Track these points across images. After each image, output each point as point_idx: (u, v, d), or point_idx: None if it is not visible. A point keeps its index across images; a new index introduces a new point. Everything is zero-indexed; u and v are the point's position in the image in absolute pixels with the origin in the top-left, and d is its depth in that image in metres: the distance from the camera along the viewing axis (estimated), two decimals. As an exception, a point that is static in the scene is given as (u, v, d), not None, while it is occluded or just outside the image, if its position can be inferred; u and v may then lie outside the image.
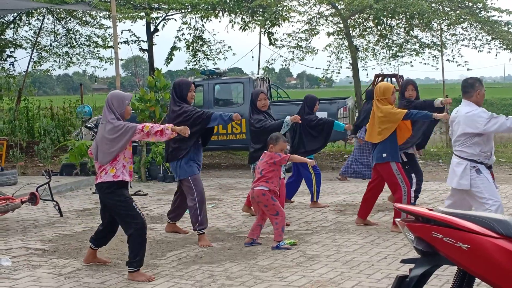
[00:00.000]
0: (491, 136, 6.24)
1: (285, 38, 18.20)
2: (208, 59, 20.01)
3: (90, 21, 20.38)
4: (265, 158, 7.08)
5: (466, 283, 3.36)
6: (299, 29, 18.05)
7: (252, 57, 19.69)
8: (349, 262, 6.30)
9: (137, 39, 20.01)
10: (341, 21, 17.67)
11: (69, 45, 21.05)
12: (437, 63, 18.41)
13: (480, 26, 16.66)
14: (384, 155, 7.46)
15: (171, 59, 19.62)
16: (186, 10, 18.22)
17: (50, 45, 21.21)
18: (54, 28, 20.93)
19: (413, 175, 8.42)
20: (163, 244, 7.32)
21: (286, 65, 19.08)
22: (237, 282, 5.77)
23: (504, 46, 16.74)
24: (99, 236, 6.31)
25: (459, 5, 16.83)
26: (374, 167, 7.68)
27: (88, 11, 18.41)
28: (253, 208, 7.67)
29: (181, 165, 7.21)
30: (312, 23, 17.90)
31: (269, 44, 18.66)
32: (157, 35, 20.17)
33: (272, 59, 18.99)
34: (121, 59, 20.70)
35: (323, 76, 19.09)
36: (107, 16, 18.74)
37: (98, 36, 20.91)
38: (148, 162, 12.34)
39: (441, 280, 5.49)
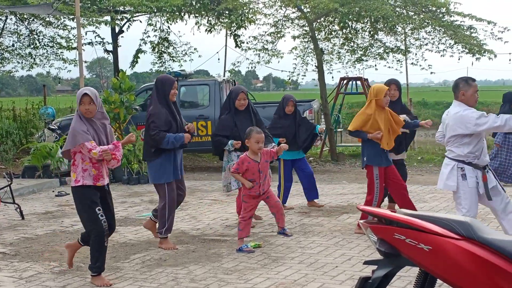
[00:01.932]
0: (481, 136, 6.13)
1: (251, 41, 18.18)
2: (173, 61, 19.91)
3: (54, 22, 20.12)
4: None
5: (427, 284, 3.39)
6: (265, 32, 18.05)
7: (218, 59, 19.62)
8: (314, 264, 6.32)
9: (101, 40, 19.82)
10: (306, 24, 17.73)
11: (32, 46, 20.75)
12: (401, 66, 18.57)
13: (443, 30, 16.86)
14: (365, 158, 7.55)
15: (137, 62, 19.48)
16: (151, 13, 18.10)
17: (13, 45, 20.87)
18: (17, 29, 20.61)
19: None
20: (127, 247, 7.25)
21: (252, 67, 19.06)
22: (201, 284, 5.74)
23: (467, 50, 16.96)
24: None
25: (423, 9, 17.02)
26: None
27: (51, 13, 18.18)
28: None
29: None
30: (278, 26, 17.92)
31: (235, 47, 18.64)
32: (122, 37, 20.02)
33: (238, 62, 18.95)
34: (86, 61, 20.49)
35: (289, 79, 19.13)
36: (71, 18, 18.52)
37: (62, 37, 20.66)
38: (112, 164, 12.21)
39: (404, 281, 5.54)
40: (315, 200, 9.28)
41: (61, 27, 20.30)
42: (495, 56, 16.99)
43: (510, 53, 19.28)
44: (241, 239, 6.99)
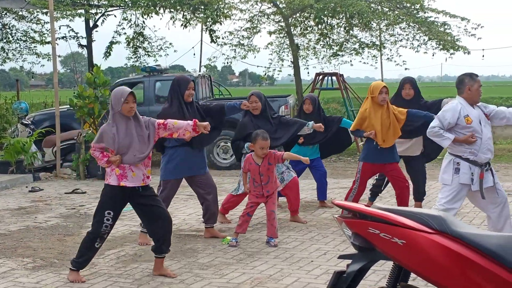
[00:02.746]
0: (475, 131, 6.10)
1: (227, 36, 18.18)
2: (149, 55, 19.82)
3: (27, 16, 19.90)
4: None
5: (401, 278, 3.43)
6: (241, 27, 18.06)
7: (194, 54, 19.61)
8: (289, 259, 6.33)
9: (75, 35, 19.65)
10: (282, 20, 17.75)
11: (4, 40, 20.49)
12: (376, 62, 18.74)
13: (417, 26, 17.00)
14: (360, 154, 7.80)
15: (109, 54, 19.33)
16: (126, 6, 17.98)
17: (-15, 40, 20.63)
18: (-11, 23, 20.37)
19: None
20: (102, 243, 7.20)
21: (228, 63, 19.07)
22: (176, 280, 5.73)
23: (441, 47, 17.11)
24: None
25: (397, 5, 17.13)
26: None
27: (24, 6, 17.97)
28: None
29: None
30: (253, 21, 17.93)
31: (211, 42, 18.60)
32: (96, 31, 19.87)
33: (214, 57, 18.96)
34: (59, 56, 20.30)
35: (265, 74, 19.16)
36: (44, 12, 18.33)
37: (35, 32, 20.43)
38: (87, 159, 12.12)
39: (379, 275, 5.58)
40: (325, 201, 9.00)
41: (35, 21, 20.08)
42: (469, 52, 17.17)
43: (483, 50, 19.56)
44: (236, 233, 6.97)
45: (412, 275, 3.47)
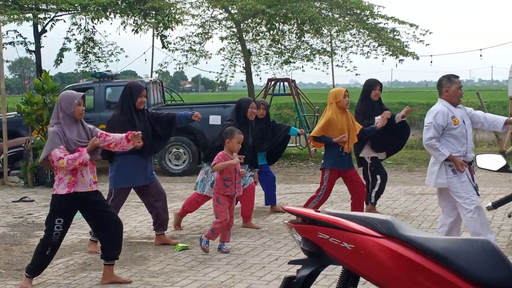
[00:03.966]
0: (459, 135, 6.17)
1: (179, 41, 18.10)
2: (99, 61, 19.57)
3: (-28, 20, 19.43)
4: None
5: (350, 282, 3.43)
6: (193, 33, 18.01)
7: (145, 59, 19.43)
8: (241, 265, 6.31)
9: (23, 40, 19.26)
10: (234, 25, 17.77)
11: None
12: (327, 68, 18.88)
13: (367, 32, 17.24)
14: (322, 161, 7.83)
15: (61, 61, 19.03)
16: (75, 11, 17.72)
17: None
18: None
19: (378, 176, 8.44)
20: (50, 252, 7.05)
21: (180, 68, 18.98)
22: (126, 288, 5.65)
23: (390, 52, 17.39)
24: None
25: (348, 12, 17.34)
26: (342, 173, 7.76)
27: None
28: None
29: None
30: (205, 26, 17.90)
31: (162, 47, 18.49)
32: (45, 36, 19.52)
33: (166, 62, 18.85)
34: (7, 61, 19.89)
35: (217, 80, 19.14)
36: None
37: (-19, 36, 19.96)
38: (35, 167, 11.87)
39: (329, 280, 5.61)
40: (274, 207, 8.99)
41: (-20, 26, 19.62)
42: (418, 58, 17.49)
43: (431, 56, 19.93)
44: (208, 238, 6.79)
45: (362, 279, 3.48)
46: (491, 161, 3.74)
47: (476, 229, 5.95)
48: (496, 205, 3.52)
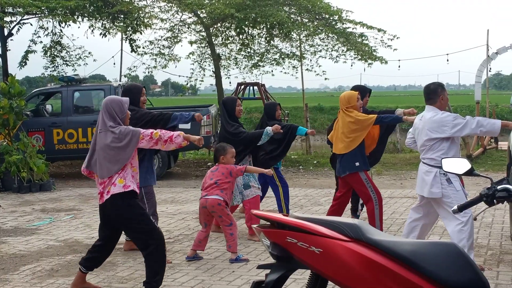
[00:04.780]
0: (455, 141, 6.09)
1: (147, 45, 18.01)
2: (67, 65, 19.35)
3: None
4: (220, 169, 6.77)
5: (319, 286, 3.45)
6: (162, 37, 17.94)
7: (114, 63, 19.26)
8: (210, 270, 6.30)
9: (-12, 44, 18.95)
10: (203, 30, 17.74)
11: None
12: (296, 72, 18.94)
13: (336, 37, 17.34)
14: (357, 164, 7.11)
15: (25, 63, 18.78)
16: (42, 14, 17.51)
17: None
18: None
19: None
20: (16, 258, 6.96)
21: (149, 72, 18.88)
22: (94, 295, 5.59)
23: (359, 57, 17.52)
24: (93, 255, 5.61)
25: (317, 16, 17.42)
26: (343, 178, 7.28)
27: None
28: (199, 218, 6.93)
29: None
30: (174, 30, 17.83)
31: (131, 51, 18.38)
32: (11, 40, 19.24)
33: (135, 66, 18.72)
34: (-28, 65, 19.53)
35: (187, 84, 19.08)
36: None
37: None
38: (1, 172, 11.71)
39: (299, 284, 5.62)
40: None
41: None
42: (386, 62, 17.64)
43: (399, 60, 20.12)
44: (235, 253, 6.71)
45: (330, 283, 3.50)
46: (457, 164, 3.78)
47: (462, 242, 5.78)
48: (461, 208, 3.56)
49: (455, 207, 3.58)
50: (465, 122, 5.94)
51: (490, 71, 20.01)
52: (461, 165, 3.78)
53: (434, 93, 6.16)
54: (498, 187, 3.41)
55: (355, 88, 7.91)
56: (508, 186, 3.40)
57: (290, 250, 3.36)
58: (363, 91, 7.86)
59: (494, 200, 3.42)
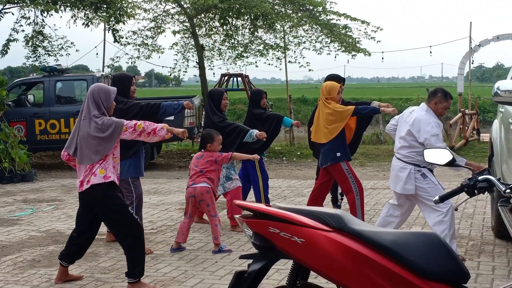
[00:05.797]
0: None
1: (131, 36, 17.92)
2: (49, 55, 19.18)
3: None
4: (205, 157, 6.76)
5: (301, 276, 3.46)
6: (145, 27, 17.85)
7: (97, 54, 19.13)
8: (193, 260, 6.30)
9: (-30, 33, 18.77)
10: (187, 20, 17.68)
11: None
12: (280, 63, 18.92)
13: (320, 29, 17.36)
14: (338, 154, 7.09)
15: (6, 52, 18.59)
16: (24, 3, 17.34)
17: None
18: None
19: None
20: (-2, 249, 6.92)
21: (132, 62, 18.79)
22: (76, 285, 5.57)
23: (343, 48, 17.56)
24: (72, 250, 5.57)
25: (300, 8, 17.43)
26: (325, 168, 7.23)
27: None
28: (186, 207, 6.83)
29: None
30: (158, 21, 17.76)
31: (114, 41, 18.26)
32: (-7, 29, 19.07)
33: (118, 57, 18.64)
34: (-47, 55, 19.31)
35: (170, 75, 19.02)
36: None
37: None
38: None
39: (282, 274, 5.63)
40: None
41: None
42: (369, 54, 17.71)
43: (383, 52, 20.21)
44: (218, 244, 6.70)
45: (312, 273, 3.51)
46: (438, 155, 3.81)
47: (444, 232, 5.84)
48: (442, 198, 3.59)
49: (437, 197, 3.60)
50: (436, 143, 5.90)
51: (472, 63, 20.18)
52: (443, 155, 3.81)
53: (433, 94, 6.25)
54: (479, 178, 3.44)
55: (329, 77, 7.86)
56: (489, 176, 3.42)
57: (273, 240, 3.36)
58: (337, 79, 7.71)
59: (475, 191, 3.45)
